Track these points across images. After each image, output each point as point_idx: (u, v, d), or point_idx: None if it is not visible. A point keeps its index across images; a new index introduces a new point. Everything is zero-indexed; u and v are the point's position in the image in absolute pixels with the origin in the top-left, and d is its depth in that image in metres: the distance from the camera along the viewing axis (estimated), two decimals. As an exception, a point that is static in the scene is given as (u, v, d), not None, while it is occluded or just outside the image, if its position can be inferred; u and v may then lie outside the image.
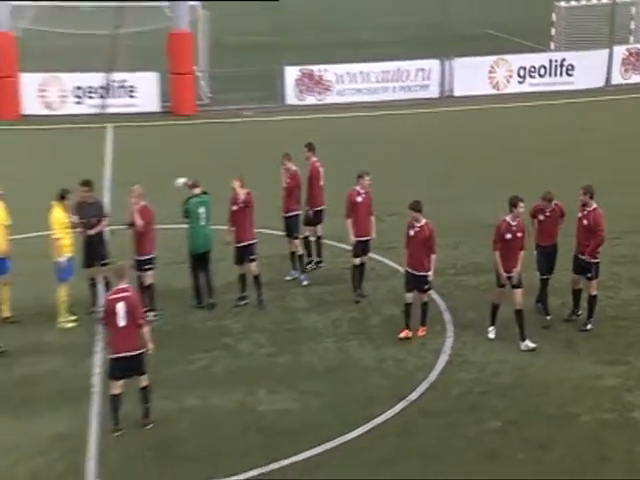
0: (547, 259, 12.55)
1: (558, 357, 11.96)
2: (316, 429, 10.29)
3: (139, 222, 12.69)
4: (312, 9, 45.63)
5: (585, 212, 12.38)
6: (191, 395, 11.03)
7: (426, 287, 12.32)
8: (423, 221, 12.12)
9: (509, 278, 12.00)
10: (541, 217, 12.44)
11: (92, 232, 12.99)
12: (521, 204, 11.90)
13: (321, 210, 14.58)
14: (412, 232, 12.16)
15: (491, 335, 12.28)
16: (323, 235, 14.83)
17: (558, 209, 12.55)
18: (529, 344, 12.02)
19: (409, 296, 12.27)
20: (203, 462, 9.69)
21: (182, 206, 13.19)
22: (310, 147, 14.65)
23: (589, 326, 12.59)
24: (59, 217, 12.70)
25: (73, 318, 12.89)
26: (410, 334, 12.24)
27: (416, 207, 12.11)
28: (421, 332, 12.40)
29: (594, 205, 12.39)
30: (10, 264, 12.83)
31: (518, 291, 12.04)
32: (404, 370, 11.63)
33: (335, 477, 9.43)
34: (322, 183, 14.56)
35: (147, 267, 12.82)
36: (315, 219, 14.53)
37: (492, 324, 12.29)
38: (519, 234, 11.92)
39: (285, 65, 27.10)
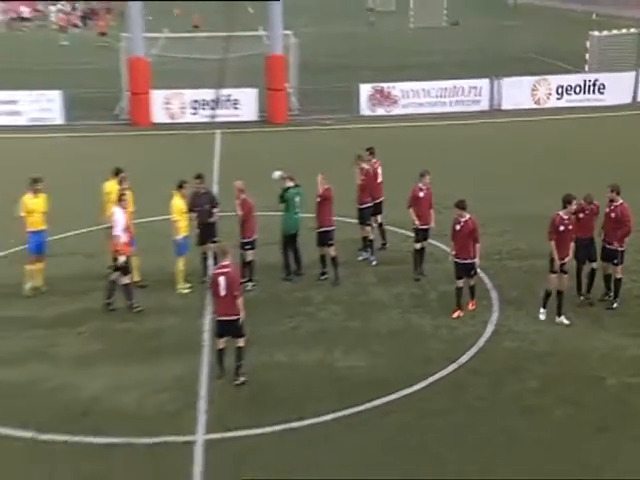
0: (584, 249, 12.08)
1: (588, 330, 11.62)
2: (382, 383, 10.22)
3: (239, 213, 12.78)
4: (382, 37, 45.27)
5: (612, 207, 11.99)
6: (281, 352, 11.09)
7: (473, 272, 12.04)
8: (467, 216, 11.86)
9: (562, 265, 11.60)
10: (581, 215, 11.98)
11: (212, 220, 13.11)
12: (574, 201, 11.55)
13: (380, 202, 14.45)
14: (458, 227, 11.89)
15: (542, 317, 11.81)
16: (385, 222, 14.68)
17: (595, 208, 12.14)
18: (564, 320, 11.67)
19: (460, 282, 12.01)
20: (290, 406, 9.74)
21: (280, 195, 13.18)
22: (371, 151, 14.55)
23: (615, 305, 12.16)
24: (177, 203, 12.82)
25: (188, 285, 13.04)
26: (462, 313, 12.00)
27: (460, 205, 11.88)
28: (471, 306, 12.15)
29: (620, 200, 12.00)
30: (134, 240, 12.95)
31: (565, 276, 11.69)
32: (456, 337, 11.45)
33: (398, 423, 9.37)
34: (380, 180, 14.45)
35: (248, 247, 12.90)
36: (375, 210, 14.39)
37: (544, 307, 11.82)
38: (570, 227, 11.55)
39: (360, 83, 26.93)
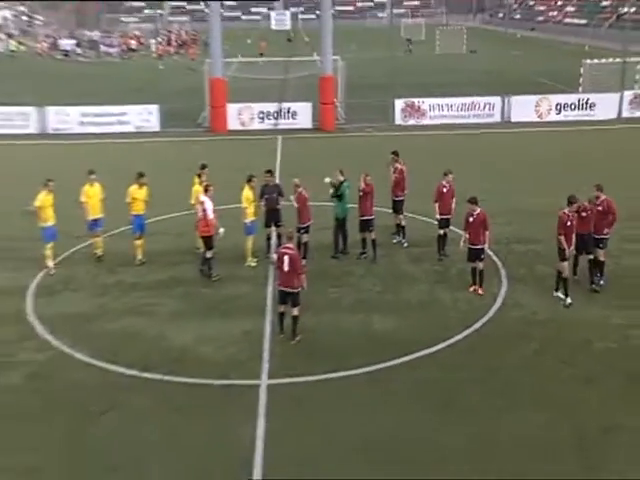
0: (583, 242, 11.56)
1: (579, 303, 11.26)
2: (410, 343, 10.11)
3: (295, 204, 12.73)
4: (413, 61, 44.41)
5: (599, 202, 11.62)
6: (328, 315, 11.04)
7: (482, 256, 11.60)
8: (478, 209, 11.49)
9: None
10: (584, 214, 11.48)
11: (278, 207, 13.02)
12: (577, 203, 11.15)
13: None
14: (471, 219, 11.49)
15: (569, 300, 11.13)
16: (410, 212, 14.44)
17: (594, 208, 11.69)
18: (560, 295, 11.29)
19: (472, 264, 11.66)
20: (336, 359, 9.72)
21: (336, 187, 12.99)
22: (395, 153, 14.26)
23: (602, 282, 11.76)
24: (247, 194, 12.79)
25: (256, 260, 13.05)
26: (476, 287, 11.68)
27: (472, 200, 11.52)
28: (481, 291, 11.61)
29: (604, 196, 11.62)
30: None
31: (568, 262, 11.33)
32: (472, 307, 11.21)
33: (423, 376, 9.30)
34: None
35: (304, 231, 12.81)
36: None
37: (567, 294, 11.20)
38: (574, 222, 11.19)
39: (395, 98, 26.47)
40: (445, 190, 12.99)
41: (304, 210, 12.82)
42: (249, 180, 12.84)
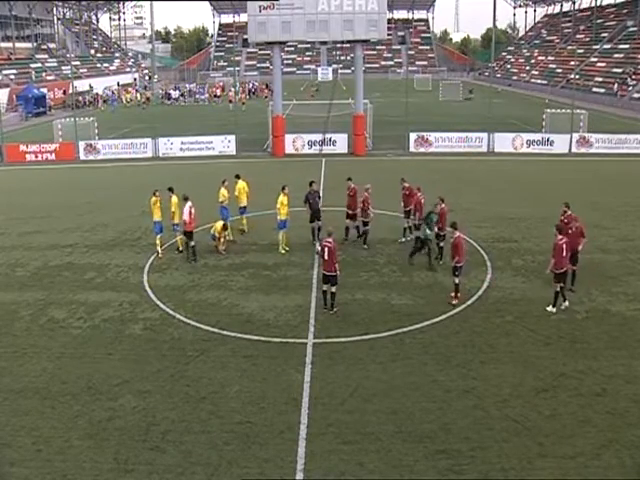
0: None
1: (542, 287, 10.79)
2: (420, 314, 9.93)
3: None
4: (423, 105, 43.42)
5: (565, 216, 11.03)
6: (358, 292, 10.86)
7: (457, 272, 10.09)
8: (457, 234, 10.06)
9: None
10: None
11: (318, 207, 12.98)
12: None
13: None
14: (452, 240, 10.31)
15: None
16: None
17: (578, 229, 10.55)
18: (552, 308, 9.96)
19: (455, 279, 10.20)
20: (363, 326, 9.59)
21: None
22: (349, 178, 13.55)
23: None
24: (281, 199, 12.61)
25: (287, 249, 12.70)
26: (458, 297, 10.26)
27: (453, 226, 10.15)
28: (454, 301, 10.16)
29: (570, 212, 11.08)
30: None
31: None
32: (465, 289, 10.81)
33: (428, 339, 9.10)
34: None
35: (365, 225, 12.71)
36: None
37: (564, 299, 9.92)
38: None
39: (409, 132, 25.89)
40: (439, 211, 12.20)
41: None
42: (282, 189, 12.63)
